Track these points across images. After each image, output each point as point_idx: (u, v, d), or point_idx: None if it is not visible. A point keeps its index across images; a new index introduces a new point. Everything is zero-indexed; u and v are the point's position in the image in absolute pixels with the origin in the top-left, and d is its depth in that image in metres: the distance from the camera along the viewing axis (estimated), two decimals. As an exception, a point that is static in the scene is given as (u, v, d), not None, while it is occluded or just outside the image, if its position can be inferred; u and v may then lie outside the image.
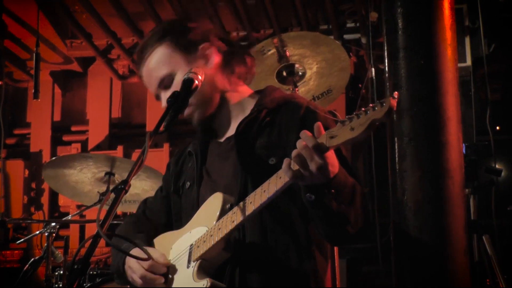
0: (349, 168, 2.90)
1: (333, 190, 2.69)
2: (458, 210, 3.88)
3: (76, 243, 8.78)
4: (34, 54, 6.59)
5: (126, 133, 9.98)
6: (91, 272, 5.46)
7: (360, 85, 8.84)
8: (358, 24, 8.59)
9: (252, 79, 3.39)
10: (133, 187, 2.76)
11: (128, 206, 6.25)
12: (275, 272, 2.97)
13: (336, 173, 2.67)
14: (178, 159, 3.47)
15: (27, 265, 5.70)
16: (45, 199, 9.69)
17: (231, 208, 2.94)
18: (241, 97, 3.29)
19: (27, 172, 9.79)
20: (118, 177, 5.97)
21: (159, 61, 3.24)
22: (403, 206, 3.93)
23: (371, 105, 2.39)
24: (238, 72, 3.31)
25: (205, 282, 2.88)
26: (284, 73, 5.45)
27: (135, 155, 9.38)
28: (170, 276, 3.08)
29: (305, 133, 2.57)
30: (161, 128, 2.84)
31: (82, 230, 9.27)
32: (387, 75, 4.12)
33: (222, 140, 3.27)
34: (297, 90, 5.29)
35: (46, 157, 9.71)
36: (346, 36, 8.78)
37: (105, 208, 2.72)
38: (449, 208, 3.85)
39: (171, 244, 3.16)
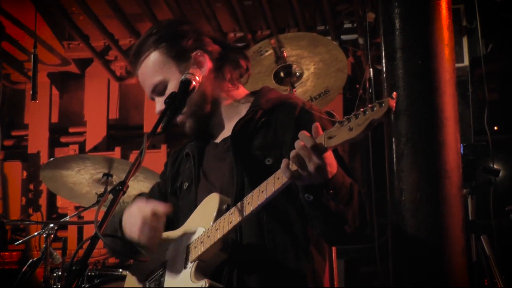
0: (346, 167, 2.90)
1: (331, 191, 2.69)
2: (456, 210, 3.88)
3: (74, 244, 8.79)
4: (32, 56, 6.58)
5: (123, 135, 9.99)
6: (89, 273, 5.46)
7: (357, 86, 8.85)
8: (355, 25, 8.60)
9: (248, 78, 3.39)
10: (130, 188, 2.75)
11: (125, 207, 6.23)
12: (273, 272, 2.97)
13: (334, 173, 2.67)
14: (175, 160, 3.46)
15: (26, 267, 5.70)
16: (43, 201, 9.69)
17: (228, 208, 2.93)
18: (235, 99, 3.28)
19: (25, 173, 9.79)
20: (116, 178, 5.96)
21: (152, 68, 3.25)
22: (400, 206, 3.94)
23: (369, 105, 2.39)
24: (231, 77, 3.30)
25: (203, 283, 2.87)
26: (282, 74, 5.45)
27: (133, 156, 9.38)
28: (168, 275, 3.08)
29: (303, 134, 2.57)
30: (159, 130, 2.85)
31: (80, 231, 9.27)
32: (384, 75, 4.12)
33: (218, 141, 3.27)
34: (295, 91, 5.29)
35: (44, 159, 9.71)
36: (343, 37, 8.79)
37: (103, 209, 2.72)
38: (447, 208, 3.86)
39: (168, 244, 3.16)
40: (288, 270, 2.98)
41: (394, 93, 2.38)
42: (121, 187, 2.66)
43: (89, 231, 8.75)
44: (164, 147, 9.36)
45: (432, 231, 3.87)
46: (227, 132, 3.22)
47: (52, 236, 5.63)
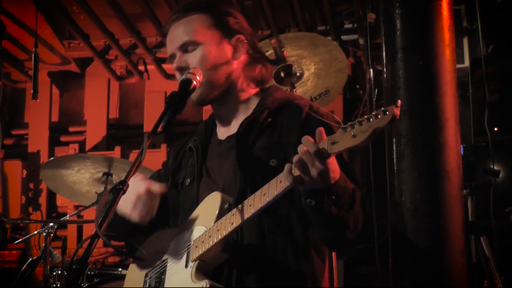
0: (349, 172, 2.90)
1: (333, 196, 2.69)
2: (456, 211, 3.89)
3: (74, 244, 8.78)
4: (33, 55, 6.58)
5: (123, 134, 9.98)
6: (89, 272, 5.46)
7: (357, 86, 8.84)
8: (355, 25, 8.60)
9: (266, 84, 3.38)
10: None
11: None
12: (273, 273, 2.97)
13: (337, 178, 2.67)
14: (177, 153, 3.46)
15: (25, 265, 5.70)
16: (43, 200, 9.69)
17: (229, 208, 2.93)
18: (248, 96, 3.28)
19: (25, 172, 9.78)
20: (116, 178, 5.97)
21: (193, 26, 3.22)
22: (401, 207, 3.94)
23: (374, 112, 2.38)
24: (257, 76, 3.31)
25: (204, 283, 2.87)
26: (282, 74, 5.45)
27: (133, 155, 9.37)
28: (168, 274, 3.08)
29: (306, 139, 2.56)
30: (159, 129, 2.84)
31: (80, 230, 9.26)
32: (385, 76, 4.12)
33: (223, 138, 3.27)
34: (295, 91, 5.29)
35: (44, 158, 9.70)
36: (344, 37, 8.78)
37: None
38: (447, 209, 3.86)
39: (169, 242, 3.16)
40: (287, 272, 2.98)
41: (399, 101, 2.36)
42: (122, 186, 2.65)
43: (89, 230, 8.74)
44: (164, 147, 9.35)
45: (432, 231, 3.87)
46: (232, 129, 3.22)
47: (52, 235, 5.64)
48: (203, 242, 2.94)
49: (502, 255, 5.34)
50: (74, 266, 2.55)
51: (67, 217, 6.41)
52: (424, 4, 4.03)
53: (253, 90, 3.31)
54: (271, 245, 2.98)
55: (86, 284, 5.36)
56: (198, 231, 3.02)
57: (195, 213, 3.12)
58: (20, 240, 6.16)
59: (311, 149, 2.53)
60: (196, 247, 2.97)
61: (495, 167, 5.45)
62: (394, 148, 3.98)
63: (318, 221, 2.82)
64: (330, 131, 2.61)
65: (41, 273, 5.66)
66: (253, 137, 3.11)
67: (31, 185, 9.80)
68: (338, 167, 2.67)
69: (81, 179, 6.06)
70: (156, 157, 8.93)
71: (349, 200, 2.77)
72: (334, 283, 4.99)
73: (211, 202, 3.03)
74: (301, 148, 2.56)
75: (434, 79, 3.95)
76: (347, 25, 8.74)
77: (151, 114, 9.60)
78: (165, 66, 9.32)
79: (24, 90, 10.15)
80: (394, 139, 3.98)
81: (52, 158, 6.08)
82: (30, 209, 9.67)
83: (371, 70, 6.31)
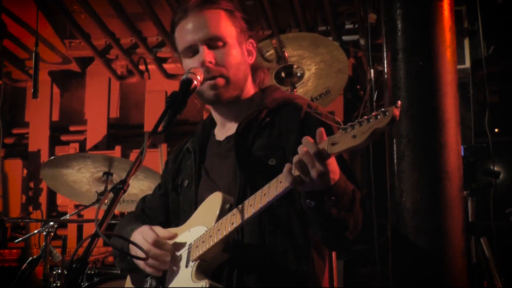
0: (349, 172, 2.90)
1: (333, 197, 2.68)
2: (456, 212, 3.88)
3: (74, 243, 8.79)
4: (34, 54, 6.58)
5: (124, 133, 9.99)
6: (89, 272, 5.46)
7: (358, 87, 8.84)
8: (356, 26, 8.60)
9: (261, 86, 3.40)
10: (131, 187, 2.76)
11: (126, 206, 6.25)
12: (273, 273, 2.97)
13: (337, 179, 2.66)
14: (176, 156, 3.46)
15: (25, 264, 5.70)
16: (43, 199, 9.69)
17: (230, 208, 2.94)
18: (249, 96, 3.29)
19: (25, 171, 9.79)
20: (116, 177, 5.97)
21: (221, 21, 3.21)
22: (401, 207, 3.93)
23: (374, 113, 2.38)
24: (259, 79, 3.34)
25: (204, 283, 2.88)
26: (283, 74, 5.46)
27: (133, 155, 9.37)
28: (169, 273, 3.08)
29: (306, 139, 2.56)
30: (160, 129, 2.84)
31: (80, 229, 9.26)
32: (386, 76, 4.12)
33: (222, 139, 3.27)
34: (296, 91, 5.29)
35: (44, 157, 9.71)
36: (345, 38, 8.78)
37: (103, 208, 2.72)
38: (447, 210, 3.86)
39: (170, 242, 3.16)
40: (288, 272, 2.98)
41: (399, 102, 2.36)
42: (122, 185, 2.66)
43: (89, 229, 8.75)
44: (164, 147, 9.35)
45: (432, 232, 3.87)
46: (232, 130, 3.22)
47: (52, 234, 5.64)
48: (203, 242, 2.95)
49: (502, 256, 5.34)
50: (74, 265, 2.55)
51: (67, 216, 6.41)
52: (425, 5, 4.03)
53: (253, 91, 3.31)
54: (271, 245, 2.98)
55: (86, 284, 5.36)
56: (199, 231, 3.02)
57: (196, 213, 3.12)
58: (20, 239, 6.16)
59: (311, 150, 2.53)
60: (197, 247, 2.98)
61: (496, 168, 5.45)
62: (395, 148, 3.98)
63: (318, 221, 2.82)
64: (329, 130, 2.61)
65: (41, 272, 5.66)
66: (252, 136, 3.12)
67: (32, 184, 9.81)
68: (338, 168, 2.66)
69: (82, 179, 6.06)
70: (156, 157, 8.93)
71: (349, 202, 2.77)
72: (334, 283, 4.99)
73: (212, 202, 3.03)
74: (301, 149, 2.56)
75: (435, 80, 3.95)
76: (348, 26, 8.74)
77: (152, 113, 9.60)
78: (165, 65, 9.33)
79: (24, 89, 10.15)
80: (394, 140, 3.97)
81: (52, 157, 6.08)
82: (30, 208, 9.68)
83: (372, 70, 6.32)
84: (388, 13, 4.12)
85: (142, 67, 9.46)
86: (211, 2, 3.23)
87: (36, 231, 5.80)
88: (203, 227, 3.00)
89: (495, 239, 5.17)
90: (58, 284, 5.42)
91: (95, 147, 9.79)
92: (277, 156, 3.02)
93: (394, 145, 3.97)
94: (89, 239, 2.54)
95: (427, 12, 4.02)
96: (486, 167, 5.42)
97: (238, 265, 2.97)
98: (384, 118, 2.34)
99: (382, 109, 2.36)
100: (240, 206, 2.84)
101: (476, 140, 6.08)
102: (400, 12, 4.05)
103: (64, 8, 8.35)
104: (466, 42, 6.77)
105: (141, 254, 2.96)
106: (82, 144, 9.91)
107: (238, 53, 3.20)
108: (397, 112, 2.33)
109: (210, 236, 2.92)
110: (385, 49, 4.15)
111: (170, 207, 3.38)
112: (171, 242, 3.14)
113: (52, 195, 9.57)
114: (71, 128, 10.06)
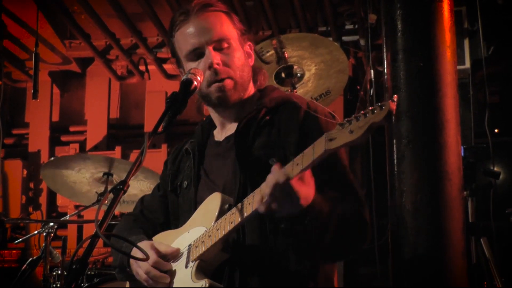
0: (346, 174, 2.91)
1: (306, 221, 2.71)
2: (456, 212, 3.88)
3: (74, 243, 8.78)
4: (34, 55, 6.58)
5: (124, 134, 9.98)
6: (89, 272, 5.47)
7: (358, 87, 8.84)
8: (356, 26, 8.59)
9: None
10: (131, 187, 2.76)
11: (126, 206, 6.25)
12: (273, 273, 2.97)
13: (310, 203, 2.69)
14: (175, 158, 3.46)
15: (25, 265, 5.71)
16: (43, 199, 9.69)
17: (229, 208, 2.94)
18: (248, 97, 3.28)
19: (25, 172, 9.78)
20: (116, 178, 5.98)
21: (226, 24, 3.21)
22: (401, 208, 3.93)
23: (370, 108, 2.38)
24: (259, 82, 3.34)
25: (203, 282, 2.88)
26: (283, 75, 5.46)
27: (133, 155, 9.37)
28: (169, 274, 3.08)
29: (275, 171, 2.63)
30: (160, 129, 2.84)
31: (80, 230, 9.26)
32: (386, 77, 4.12)
33: (221, 139, 3.27)
34: (296, 92, 5.29)
35: (44, 157, 9.71)
36: (345, 38, 8.78)
37: (103, 208, 2.72)
38: (447, 210, 3.86)
39: (170, 243, 3.16)
40: (288, 272, 2.98)
41: (395, 96, 2.37)
42: (122, 186, 2.66)
43: (89, 230, 8.74)
44: (164, 147, 9.35)
45: (432, 232, 3.87)
46: (230, 131, 3.22)
47: (52, 234, 5.65)
48: (203, 242, 2.95)
49: (502, 257, 5.34)
50: (74, 266, 2.55)
51: (67, 217, 6.42)
52: (425, 6, 4.02)
53: (252, 91, 3.32)
54: (272, 244, 2.98)
55: (86, 284, 5.36)
56: (198, 231, 3.03)
57: (195, 214, 3.13)
58: (20, 239, 6.16)
59: (279, 180, 2.60)
60: (196, 247, 2.98)
61: (496, 169, 5.45)
62: (395, 149, 3.97)
63: (292, 244, 2.90)
64: (329, 129, 2.61)
65: (41, 273, 5.67)
66: (252, 136, 3.12)
67: (32, 185, 9.80)
68: (312, 191, 2.69)
69: (82, 179, 6.07)
70: (156, 157, 8.93)
71: (324, 223, 2.78)
72: (334, 283, 4.98)
73: (211, 203, 3.03)
74: (270, 181, 2.62)
75: (435, 80, 3.95)
76: (348, 26, 8.74)
77: (152, 114, 9.60)
78: (166, 66, 9.32)
79: (24, 90, 10.15)
80: (394, 140, 3.97)
81: (52, 158, 6.09)
82: (30, 209, 9.67)
83: (372, 71, 6.32)
84: (388, 13, 4.12)
85: (142, 68, 9.46)
86: (212, 5, 3.23)
87: (36, 232, 5.81)
88: (203, 228, 3.01)
89: (495, 239, 5.17)
90: (58, 285, 5.42)
91: (95, 148, 9.79)
92: (277, 155, 3.01)
93: (394, 146, 3.97)
94: (89, 240, 2.54)
95: (427, 13, 4.02)
96: (486, 168, 5.42)
97: (239, 265, 2.97)
98: (380, 112, 2.35)
99: (379, 103, 2.37)
100: (239, 205, 2.84)
101: (476, 141, 6.09)
102: (400, 12, 4.05)
103: (64, 8, 8.35)
104: (466, 42, 6.78)
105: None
106: (82, 144, 9.91)
107: (242, 54, 3.21)
108: (393, 106, 2.34)
109: (210, 236, 2.92)
110: (385, 50, 4.14)
111: (169, 208, 3.39)
112: (171, 243, 3.14)
113: (52, 195, 9.57)
114: (71, 129, 10.05)
